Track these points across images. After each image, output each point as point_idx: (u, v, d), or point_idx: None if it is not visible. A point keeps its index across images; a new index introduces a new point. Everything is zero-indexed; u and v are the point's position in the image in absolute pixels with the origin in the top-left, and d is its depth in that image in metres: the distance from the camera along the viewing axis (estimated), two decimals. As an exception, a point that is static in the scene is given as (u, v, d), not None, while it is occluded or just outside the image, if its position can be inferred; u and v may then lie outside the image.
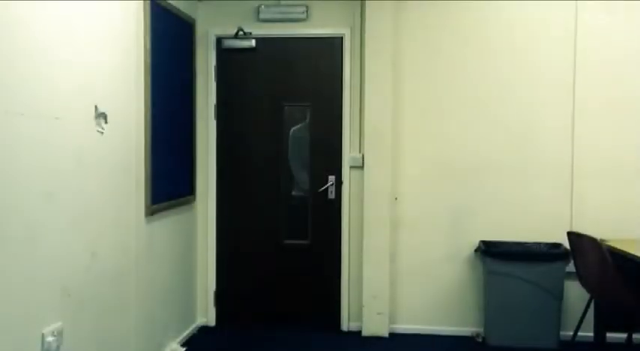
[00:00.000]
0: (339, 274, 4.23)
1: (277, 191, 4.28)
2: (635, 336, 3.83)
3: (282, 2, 4.21)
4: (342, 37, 4.18)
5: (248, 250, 4.29)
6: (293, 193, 4.33)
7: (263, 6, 4.20)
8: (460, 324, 4.14)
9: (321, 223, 4.26)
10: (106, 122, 2.78)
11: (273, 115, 4.26)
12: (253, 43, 4.20)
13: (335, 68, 4.19)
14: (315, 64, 4.22)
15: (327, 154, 4.23)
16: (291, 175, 4.32)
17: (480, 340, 4.02)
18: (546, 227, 4.02)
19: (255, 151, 4.29)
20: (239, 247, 4.30)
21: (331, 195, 4.21)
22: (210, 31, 4.24)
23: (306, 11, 4.17)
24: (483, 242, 4.03)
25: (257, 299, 4.29)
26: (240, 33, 4.18)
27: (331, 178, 4.20)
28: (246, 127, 4.28)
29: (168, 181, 3.65)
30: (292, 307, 4.27)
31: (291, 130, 4.31)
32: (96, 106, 2.70)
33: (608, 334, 3.77)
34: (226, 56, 4.24)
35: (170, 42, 3.69)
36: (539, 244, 4.00)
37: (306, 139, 4.30)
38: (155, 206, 3.39)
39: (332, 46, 4.19)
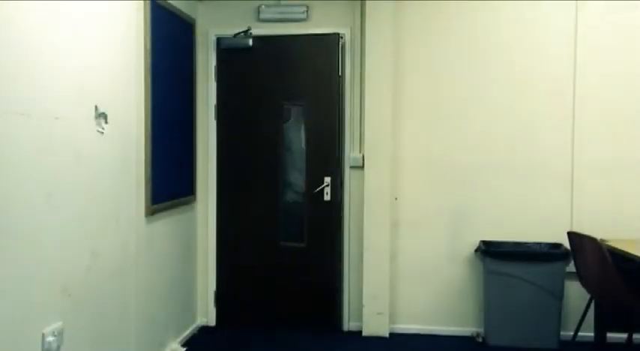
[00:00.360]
0: (334, 274, 4.18)
1: (276, 192, 4.26)
2: (635, 336, 3.83)
3: (282, 2, 4.21)
4: (342, 37, 4.18)
5: (248, 250, 4.28)
6: (289, 194, 4.30)
7: (263, 6, 4.20)
8: (460, 324, 4.14)
9: (318, 225, 4.20)
10: (106, 122, 2.79)
11: (273, 115, 4.24)
12: (250, 42, 4.16)
13: (335, 68, 4.16)
14: (314, 64, 4.19)
15: (324, 154, 4.18)
16: (288, 175, 4.30)
17: (480, 340, 4.02)
18: (546, 227, 4.02)
19: (254, 152, 4.27)
20: (239, 247, 4.30)
21: (327, 196, 4.16)
22: (210, 31, 4.24)
23: (306, 11, 4.17)
24: (483, 242, 4.03)
25: (257, 299, 4.28)
26: (242, 34, 4.15)
27: (327, 180, 4.15)
28: (246, 126, 4.27)
29: (168, 181, 3.65)
30: (292, 307, 4.25)
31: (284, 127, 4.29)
32: (96, 106, 2.70)
33: (608, 334, 3.78)
34: (226, 56, 4.23)
35: (170, 42, 3.69)
36: (539, 244, 4.00)
37: (298, 139, 4.29)
38: (155, 206, 3.39)
39: (332, 46, 4.15)
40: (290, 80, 4.22)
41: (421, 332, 4.15)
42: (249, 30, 4.15)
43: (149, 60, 3.27)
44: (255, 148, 4.27)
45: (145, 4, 3.23)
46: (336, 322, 4.21)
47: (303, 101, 4.24)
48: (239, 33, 4.17)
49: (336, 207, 4.16)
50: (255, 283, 4.27)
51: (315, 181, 4.19)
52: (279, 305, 4.25)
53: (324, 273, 4.20)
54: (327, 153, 4.17)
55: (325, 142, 4.18)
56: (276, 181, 4.26)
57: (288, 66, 4.22)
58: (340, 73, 4.19)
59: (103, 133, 2.77)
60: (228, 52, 4.22)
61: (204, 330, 4.27)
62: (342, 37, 4.18)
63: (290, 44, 4.21)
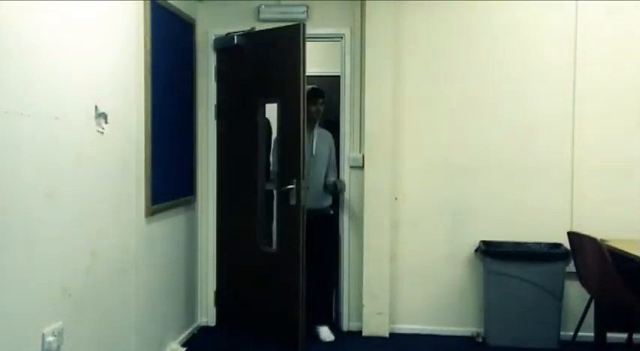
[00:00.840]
0: (297, 280, 3.76)
1: (255, 194, 4.09)
2: (635, 336, 3.82)
3: (283, 2, 4.21)
4: (342, 37, 4.18)
5: (242, 251, 4.20)
6: (268, 197, 4.17)
7: (263, 6, 4.20)
8: (460, 324, 4.14)
9: (285, 230, 3.90)
10: (106, 122, 2.78)
11: (254, 114, 4.07)
12: (235, 40, 4.03)
13: (298, 63, 3.73)
14: (282, 59, 3.89)
15: (291, 156, 3.82)
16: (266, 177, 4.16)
17: (480, 340, 4.02)
18: (546, 227, 4.02)
19: (242, 153, 4.16)
20: (240, 247, 4.27)
21: (292, 200, 3.76)
22: (210, 31, 4.24)
23: (307, 11, 4.17)
24: (483, 242, 4.03)
25: (256, 299, 4.23)
26: (232, 33, 4.07)
27: (292, 183, 3.77)
28: (235, 126, 4.19)
29: (168, 181, 3.64)
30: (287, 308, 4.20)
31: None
32: (96, 106, 2.70)
33: (608, 334, 3.78)
34: (224, 56, 4.20)
35: (170, 42, 3.69)
36: (539, 244, 4.00)
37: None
38: (155, 206, 3.39)
39: (294, 38, 3.75)
40: (267, 78, 3.99)
41: (421, 332, 4.15)
42: (252, 30, 4.13)
43: (149, 60, 3.27)
44: (242, 148, 4.15)
45: (145, 4, 3.23)
46: (294, 335, 3.80)
47: (276, 100, 3.98)
48: (229, 33, 4.11)
49: (298, 211, 3.75)
50: (253, 284, 4.19)
51: (284, 184, 3.85)
52: (276, 305, 4.17)
53: (290, 279, 3.82)
54: (293, 154, 3.80)
55: (293, 143, 3.80)
56: (256, 183, 4.09)
57: (265, 64, 4.00)
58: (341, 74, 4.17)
59: (103, 133, 2.76)
60: (225, 52, 4.18)
61: (204, 330, 4.27)
62: (341, 37, 4.19)
63: (265, 40, 3.98)
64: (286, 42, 3.79)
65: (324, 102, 4.14)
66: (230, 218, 4.26)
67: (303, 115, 3.72)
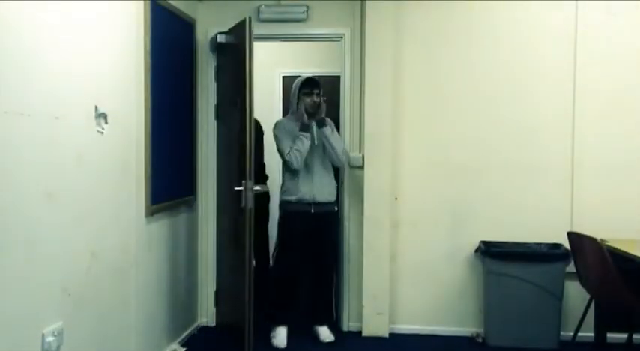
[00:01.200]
0: (243, 287, 3.65)
1: (231, 196, 3.90)
2: (635, 336, 3.82)
3: (283, 2, 4.21)
4: (342, 37, 4.18)
5: (227, 250, 4.15)
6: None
7: (263, 6, 4.20)
8: (460, 324, 4.14)
9: (240, 234, 3.68)
10: (106, 122, 2.78)
11: (231, 114, 4.00)
12: (218, 39, 4.02)
13: (243, 60, 3.61)
14: (235, 58, 3.84)
15: (239, 158, 3.68)
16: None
17: (480, 340, 4.02)
18: (546, 227, 4.02)
19: (223, 153, 4.16)
20: (225, 248, 4.23)
21: (242, 203, 3.57)
22: (210, 31, 4.24)
23: (307, 11, 4.17)
24: (483, 242, 4.03)
25: (237, 298, 4.16)
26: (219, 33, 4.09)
27: (241, 185, 3.60)
28: (228, 127, 4.14)
29: (168, 181, 3.64)
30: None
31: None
32: (96, 106, 2.70)
33: (608, 334, 3.77)
34: (221, 55, 4.19)
35: (170, 42, 3.69)
36: (539, 244, 4.00)
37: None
38: (155, 206, 3.39)
39: (240, 33, 3.70)
40: (234, 77, 3.86)
41: (421, 332, 4.15)
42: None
43: (149, 60, 3.27)
44: (226, 149, 4.10)
45: (145, 4, 3.23)
46: (241, 340, 3.69)
47: (238, 99, 3.73)
48: (219, 32, 4.10)
49: (245, 213, 3.58)
50: (233, 284, 4.03)
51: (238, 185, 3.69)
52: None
53: (241, 281, 3.70)
54: (240, 156, 3.64)
55: (240, 144, 3.66)
56: (232, 185, 3.90)
57: (234, 62, 3.89)
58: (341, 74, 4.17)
59: (103, 133, 2.76)
60: (220, 52, 4.17)
61: (204, 330, 4.27)
62: (341, 37, 4.19)
63: (234, 38, 3.89)
64: (238, 40, 3.71)
65: (321, 94, 3.98)
66: (220, 219, 4.25)
67: (249, 115, 3.56)
